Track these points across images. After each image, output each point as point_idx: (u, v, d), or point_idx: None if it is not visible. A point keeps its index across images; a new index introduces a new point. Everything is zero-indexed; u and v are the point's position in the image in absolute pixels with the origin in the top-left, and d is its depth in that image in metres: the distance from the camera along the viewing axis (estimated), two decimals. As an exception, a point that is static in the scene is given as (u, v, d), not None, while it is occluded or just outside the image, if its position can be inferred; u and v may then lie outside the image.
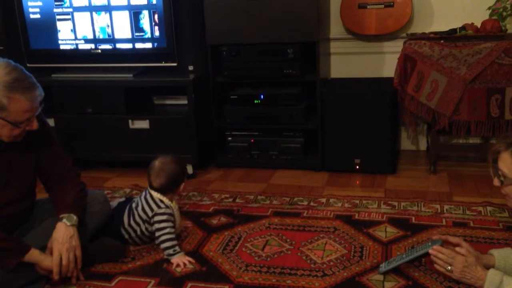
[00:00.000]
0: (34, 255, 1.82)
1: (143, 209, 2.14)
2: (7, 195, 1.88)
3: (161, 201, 2.13)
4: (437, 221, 2.30)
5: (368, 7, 3.06)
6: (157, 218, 2.09)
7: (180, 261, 2.01)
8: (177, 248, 2.06)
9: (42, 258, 1.84)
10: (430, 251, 1.79)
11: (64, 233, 1.87)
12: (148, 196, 2.16)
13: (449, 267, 1.74)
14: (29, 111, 1.78)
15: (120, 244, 2.11)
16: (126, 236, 2.16)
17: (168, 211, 2.12)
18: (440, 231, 2.20)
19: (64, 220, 1.90)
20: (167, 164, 2.15)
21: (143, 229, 2.14)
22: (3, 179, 1.87)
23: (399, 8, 3.03)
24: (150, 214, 2.12)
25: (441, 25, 3.03)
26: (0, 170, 1.86)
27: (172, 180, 2.14)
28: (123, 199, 2.36)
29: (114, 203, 2.25)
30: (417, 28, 3.15)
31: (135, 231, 2.15)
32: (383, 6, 3.04)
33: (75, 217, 1.92)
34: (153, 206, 2.12)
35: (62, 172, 2.03)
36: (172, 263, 2.02)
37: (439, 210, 2.41)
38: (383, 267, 1.89)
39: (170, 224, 2.10)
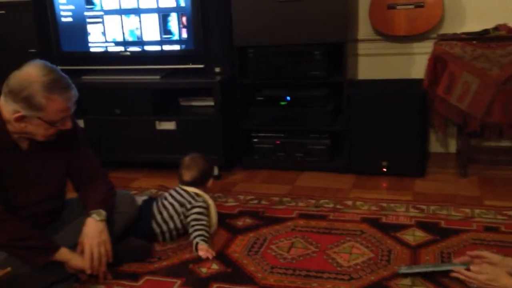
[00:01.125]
0: (63, 253, 1.85)
1: (180, 202, 2.23)
2: (38, 194, 1.92)
3: (197, 194, 2.25)
4: (467, 225, 2.25)
5: (397, 7, 3.01)
6: (196, 209, 2.20)
7: (207, 251, 2.07)
8: (208, 239, 2.13)
9: (71, 256, 1.87)
10: (454, 274, 1.80)
11: (94, 228, 1.90)
12: (182, 192, 2.27)
13: (474, 286, 1.74)
14: (65, 111, 1.82)
15: (146, 244, 2.14)
16: (157, 231, 2.21)
17: (204, 205, 2.22)
18: (470, 236, 2.14)
19: (94, 215, 1.93)
20: (197, 159, 2.38)
21: (177, 222, 2.21)
22: (35, 177, 1.91)
23: (429, 8, 2.97)
24: (188, 206, 2.22)
25: (473, 26, 2.96)
26: (33, 169, 1.90)
27: (202, 173, 2.34)
28: (146, 197, 2.41)
29: (138, 199, 2.30)
30: (448, 28, 3.09)
31: (167, 225, 2.21)
32: (413, 6, 2.99)
33: (104, 212, 1.95)
34: (190, 199, 2.23)
35: (90, 171, 2.06)
36: (199, 250, 2.06)
37: (469, 215, 2.36)
38: (404, 269, 1.88)
39: (206, 218, 2.19)
